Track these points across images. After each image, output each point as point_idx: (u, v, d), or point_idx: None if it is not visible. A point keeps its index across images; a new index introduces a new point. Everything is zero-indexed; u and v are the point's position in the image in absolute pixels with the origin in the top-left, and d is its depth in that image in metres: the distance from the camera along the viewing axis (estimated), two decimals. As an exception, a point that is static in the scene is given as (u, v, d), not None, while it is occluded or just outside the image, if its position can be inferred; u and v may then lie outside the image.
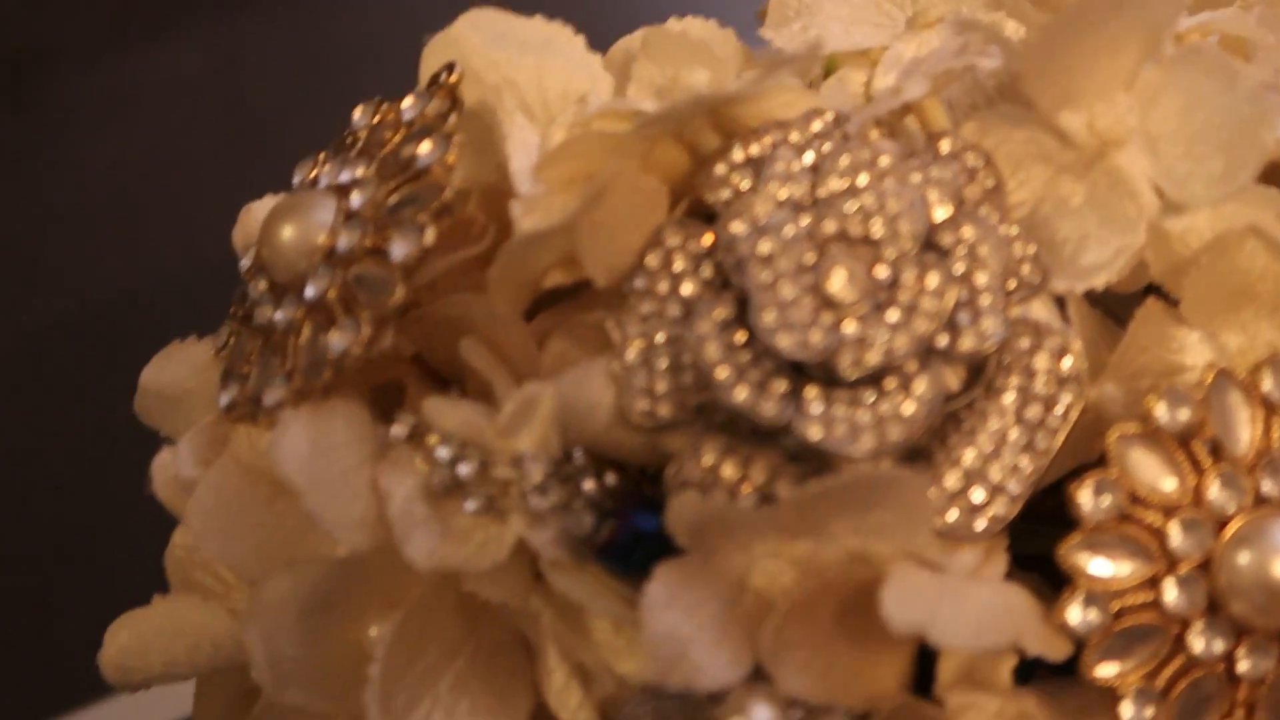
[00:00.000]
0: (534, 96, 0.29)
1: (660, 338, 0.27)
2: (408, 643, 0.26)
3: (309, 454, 0.26)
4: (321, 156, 0.30)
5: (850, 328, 0.25)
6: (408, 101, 0.28)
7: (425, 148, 0.27)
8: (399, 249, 0.26)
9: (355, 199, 0.27)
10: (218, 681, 0.30)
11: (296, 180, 0.30)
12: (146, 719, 0.53)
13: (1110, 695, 0.26)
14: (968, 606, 0.25)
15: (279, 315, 0.28)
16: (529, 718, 0.27)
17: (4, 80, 0.81)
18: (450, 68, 0.28)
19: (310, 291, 0.27)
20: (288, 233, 0.28)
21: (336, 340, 0.27)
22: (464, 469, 0.26)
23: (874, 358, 0.25)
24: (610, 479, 0.27)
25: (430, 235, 0.26)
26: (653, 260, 0.27)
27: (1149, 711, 0.26)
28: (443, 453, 0.26)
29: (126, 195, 0.76)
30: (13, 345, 0.72)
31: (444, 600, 0.27)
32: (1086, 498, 0.26)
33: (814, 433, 0.25)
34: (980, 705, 0.26)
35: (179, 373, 0.30)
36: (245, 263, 0.30)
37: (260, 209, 0.31)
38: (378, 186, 0.27)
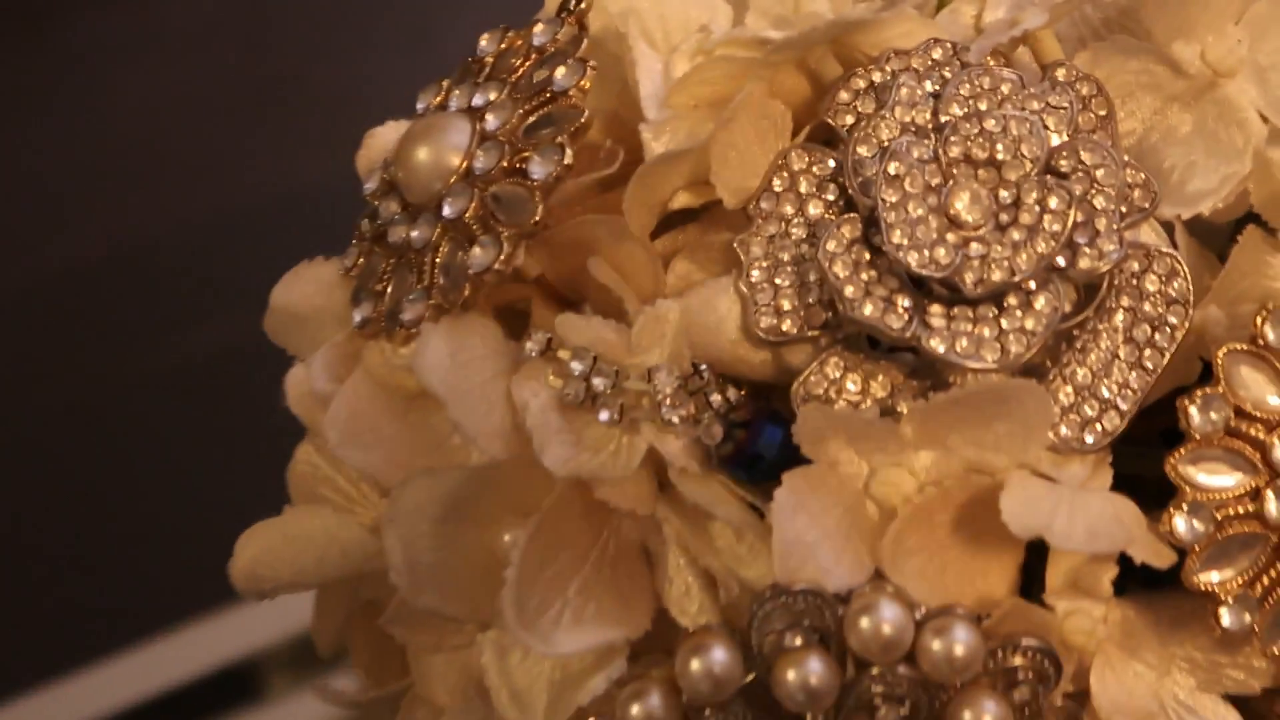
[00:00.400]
0: (655, 25, 0.30)
1: (785, 256, 0.28)
2: (541, 548, 0.27)
3: (449, 366, 0.28)
4: (446, 83, 0.31)
5: (975, 246, 0.26)
6: (539, 28, 0.29)
7: (561, 72, 0.28)
8: (538, 169, 0.27)
9: (491, 121, 0.28)
10: (341, 592, 0.32)
11: (421, 106, 0.31)
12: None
13: (1204, 605, 0.27)
14: (1082, 513, 0.26)
15: (415, 234, 0.29)
16: (649, 623, 0.28)
17: (25, 21, 0.82)
18: (578, -5, 0.29)
19: (449, 210, 0.28)
20: (423, 154, 0.29)
21: (479, 257, 0.28)
22: (598, 381, 0.27)
23: (997, 275, 0.26)
24: (734, 394, 0.28)
25: (569, 156, 0.27)
26: (778, 183, 0.28)
27: (1248, 617, 0.27)
28: (576, 366, 0.28)
29: (147, 137, 0.77)
30: (37, 287, 0.72)
31: (573, 508, 0.28)
32: (1195, 412, 0.27)
33: (938, 346, 0.26)
34: (1085, 610, 0.27)
35: (308, 291, 0.31)
36: (371, 185, 0.31)
37: (385, 133, 0.32)
38: (513, 109, 0.28)
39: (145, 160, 0.76)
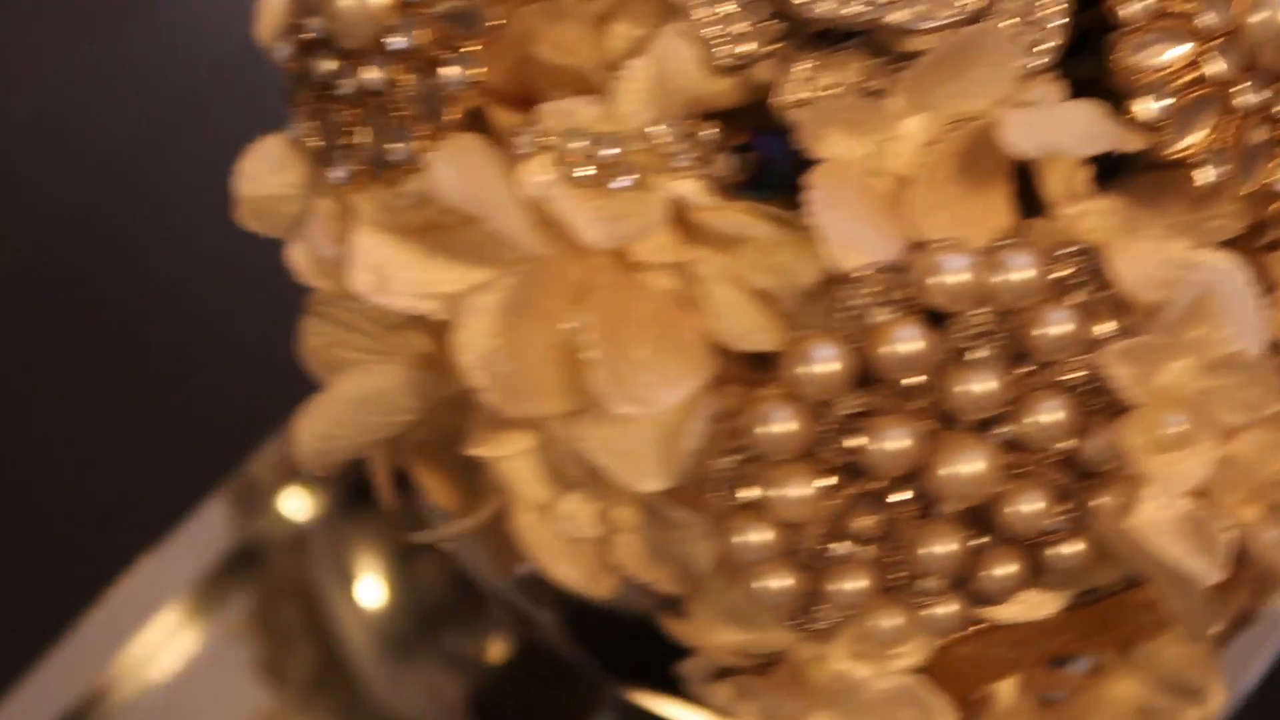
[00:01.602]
0: None
1: (726, -14, 0.29)
2: (607, 323, 0.29)
3: (465, 181, 0.28)
4: None
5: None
6: None
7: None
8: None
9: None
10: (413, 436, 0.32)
11: None
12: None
13: (1174, 175, 0.30)
14: (1073, 122, 0.29)
15: (369, 77, 0.29)
16: (715, 363, 0.30)
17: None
18: None
19: (400, 43, 0.29)
20: (347, 1, 0.29)
21: (454, 74, 0.28)
22: (605, 153, 0.29)
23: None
24: (715, 129, 0.30)
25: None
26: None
27: (1218, 171, 0.30)
28: (577, 145, 0.29)
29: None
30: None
31: (619, 278, 0.29)
32: (1125, 6, 0.30)
33: (902, 17, 0.28)
34: (1090, 209, 0.30)
35: (266, 171, 0.31)
36: (284, 50, 0.31)
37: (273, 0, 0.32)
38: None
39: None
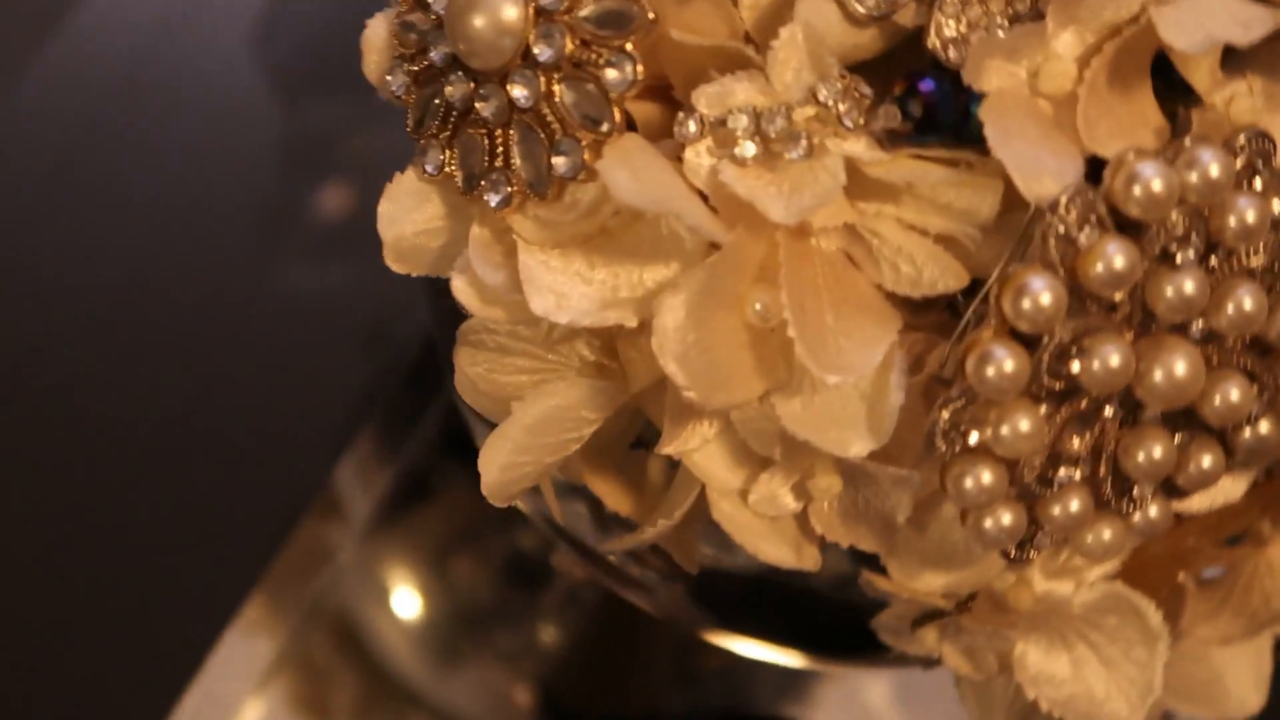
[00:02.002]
0: None
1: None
2: (798, 295, 0.28)
3: (641, 182, 0.28)
4: None
5: None
6: None
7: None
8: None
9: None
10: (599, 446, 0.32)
11: None
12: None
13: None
14: (1223, 10, 0.29)
15: (518, 93, 0.28)
16: (899, 316, 0.30)
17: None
18: None
19: (545, 54, 0.28)
20: (479, 21, 0.28)
21: (614, 77, 0.28)
22: (773, 127, 0.28)
23: None
24: (871, 84, 0.29)
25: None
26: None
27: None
28: (742, 121, 0.28)
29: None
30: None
31: (797, 249, 0.29)
32: None
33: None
34: (1237, 91, 0.30)
35: (410, 208, 0.30)
36: (399, 82, 0.30)
37: (377, 27, 0.31)
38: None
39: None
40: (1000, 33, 0.29)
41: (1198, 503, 0.33)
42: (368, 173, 0.60)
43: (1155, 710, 0.34)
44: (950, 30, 0.29)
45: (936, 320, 0.31)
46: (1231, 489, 0.33)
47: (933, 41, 0.29)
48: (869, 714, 0.58)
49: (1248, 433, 0.31)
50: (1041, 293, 0.27)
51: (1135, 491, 0.30)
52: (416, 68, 0.30)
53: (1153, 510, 0.31)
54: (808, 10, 0.29)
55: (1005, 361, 0.28)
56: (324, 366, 0.57)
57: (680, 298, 0.28)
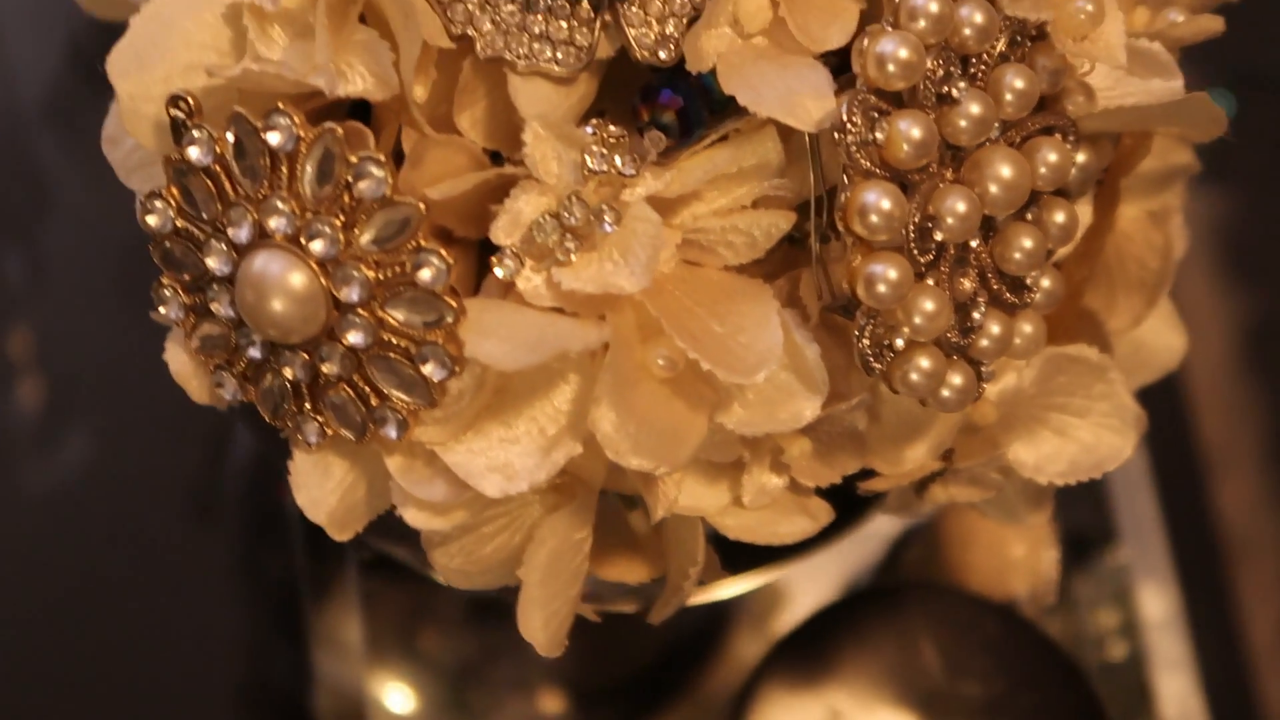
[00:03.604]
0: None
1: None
2: (681, 328, 0.30)
3: (508, 344, 0.29)
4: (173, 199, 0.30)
5: None
6: (275, 135, 0.28)
7: (371, 180, 0.28)
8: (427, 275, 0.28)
9: (320, 246, 0.28)
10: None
11: (155, 222, 0.30)
12: None
13: None
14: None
15: (354, 339, 0.29)
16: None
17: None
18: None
19: (354, 296, 0.29)
20: (278, 305, 0.29)
21: (429, 275, 0.28)
22: (573, 218, 0.29)
23: None
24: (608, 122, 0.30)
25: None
26: None
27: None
28: (546, 231, 0.29)
29: None
30: None
31: (656, 293, 0.30)
32: None
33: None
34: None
35: (330, 482, 0.31)
36: (231, 388, 0.31)
37: (176, 354, 0.31)
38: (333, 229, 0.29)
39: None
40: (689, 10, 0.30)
41: (1067, 248, 0.35)
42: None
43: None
44: (649, 37, 0.30)
45: (783, 255, 0.33)
46: (1083, 216, 0.36)
47: (640, 55, 0.30)
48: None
49: (1074, 171, 0.33)
50: (880, 201, 0.29)
51: (1027, 280, 0.32)
52: (240, 368, 0.30)
53: (1045, 282, 0.33)
54: (524, 101, 0.30)
55: (888, 272, 0.29)
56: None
57: (604, 403, 0.29)
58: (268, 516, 0.58)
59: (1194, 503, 0.62)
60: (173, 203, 0.30)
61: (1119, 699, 0.57)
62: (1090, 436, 0.36)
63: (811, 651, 0.48)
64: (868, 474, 0.35)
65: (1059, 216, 0.33)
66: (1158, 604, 0.58)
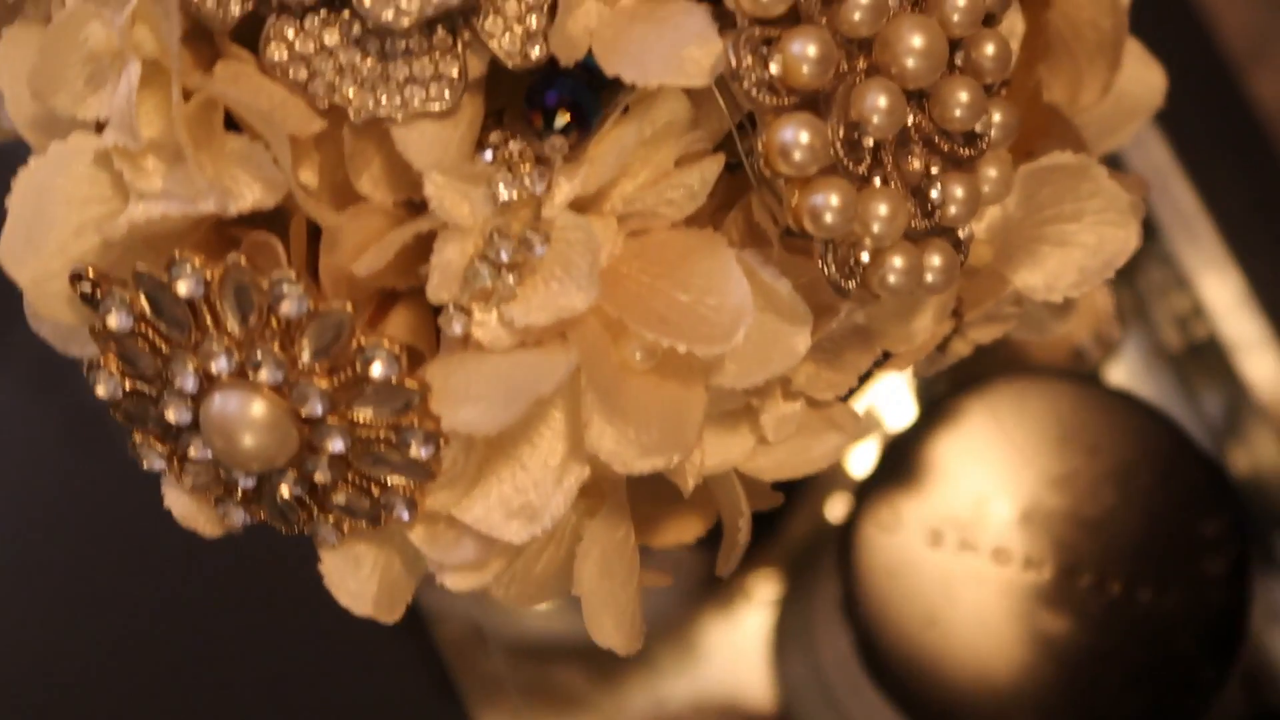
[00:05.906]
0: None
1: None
2: (642, 312, 0.29)
3: (484, 405, 0.28)
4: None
5: None
6: (183, 287, 0.28)
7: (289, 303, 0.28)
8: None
9: (267, 374, 0.28)
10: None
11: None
12: None
13: None
14: None
15: (335, 447, 0.28)
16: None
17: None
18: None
19: (316, 409, 0.28)
20: (248, 441, 0.28)
21: (381, 370, 0.28)
22: (504, 252, 0.28)
23: None
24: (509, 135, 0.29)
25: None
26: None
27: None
28: (482, 274, 0.28)
29: None
30: None
31: (610, 285, 0.29)
32: None
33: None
34: None
35: (362, 571, 0.31)
36: (238, 517, 0.30)
37: (175, 499, 0.31)
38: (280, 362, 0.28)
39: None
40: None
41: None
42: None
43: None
44: (515, 43, 0.29)
45: (727, 185, 0.32)
46: (1014, 27, 0.34)
47: (513, 63, 0.29)
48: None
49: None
50: (798, 136, 0.28)
51: (978, 128, 0.31)
52: (242, 497, 0.30)
53: (996, 116, 0.32)
54: (414, 153, 0.28)
55: (830, 199, 0.28)
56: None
57: (596, 420, 0.28)
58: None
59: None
60: (114, 369, 0.29)
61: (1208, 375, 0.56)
62: (1092, 237, 0.35)
63: (912, 464, 0.47)
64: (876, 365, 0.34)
65: (989, 49, 0.31)
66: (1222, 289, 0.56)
